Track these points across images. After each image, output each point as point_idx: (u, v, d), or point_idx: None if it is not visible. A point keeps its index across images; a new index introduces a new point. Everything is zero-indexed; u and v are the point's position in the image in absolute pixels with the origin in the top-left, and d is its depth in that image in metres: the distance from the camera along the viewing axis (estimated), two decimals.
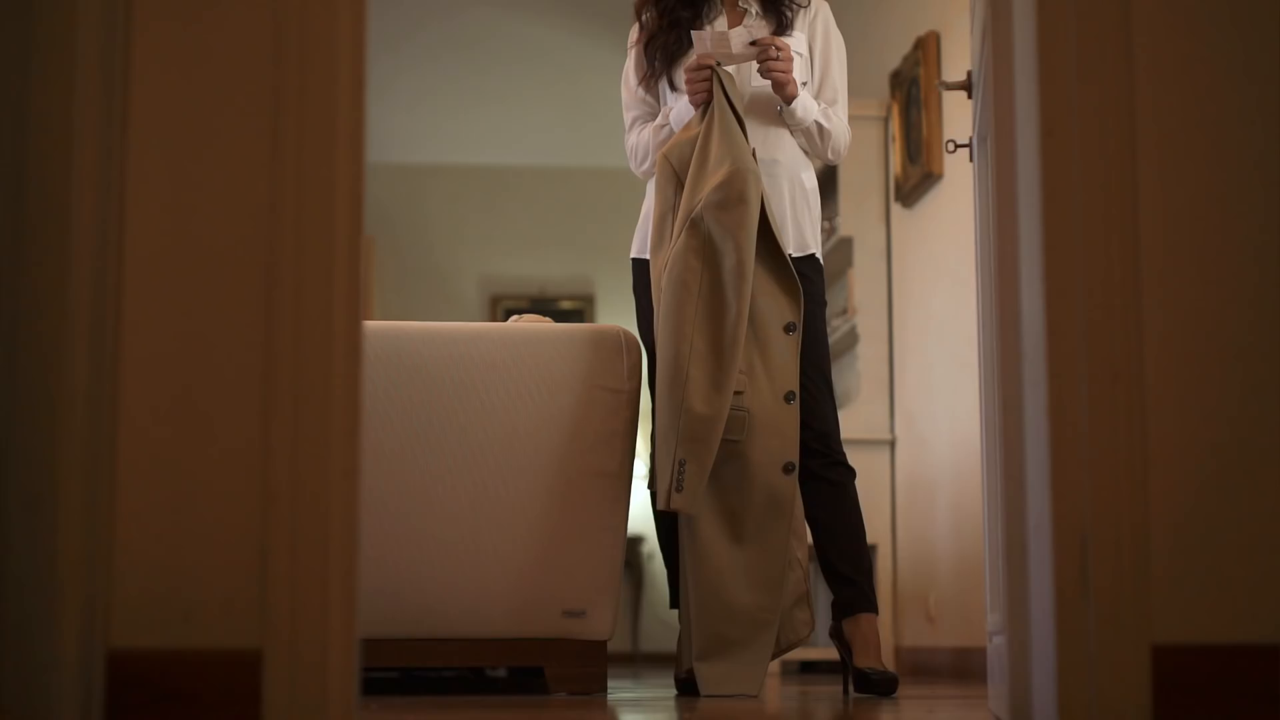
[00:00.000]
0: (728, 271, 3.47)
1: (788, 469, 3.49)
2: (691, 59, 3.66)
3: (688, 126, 3.65)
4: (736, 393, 3.46)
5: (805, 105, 3.70)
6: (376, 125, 9.21)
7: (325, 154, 1.83)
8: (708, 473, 3.43)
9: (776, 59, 3.61)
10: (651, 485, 3.54)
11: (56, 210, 1.73)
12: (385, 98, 9.00)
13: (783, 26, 3.75)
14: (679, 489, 3.42)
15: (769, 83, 3.66)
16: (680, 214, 3.56)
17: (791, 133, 3.75)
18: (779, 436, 3.50)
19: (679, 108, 3.72)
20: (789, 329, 3.54)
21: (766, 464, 3.48)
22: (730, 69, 3.68)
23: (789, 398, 3.52)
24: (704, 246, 3.49)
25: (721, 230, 3.47)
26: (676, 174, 3.62)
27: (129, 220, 1.80)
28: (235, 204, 1.83)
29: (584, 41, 8.55)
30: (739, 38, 3.61)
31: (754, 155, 3.56)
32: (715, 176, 3.49)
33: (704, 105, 3.61)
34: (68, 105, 1.75)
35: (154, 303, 1.80)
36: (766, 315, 3.53)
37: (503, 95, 9.31)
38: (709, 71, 3.60)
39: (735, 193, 3.46)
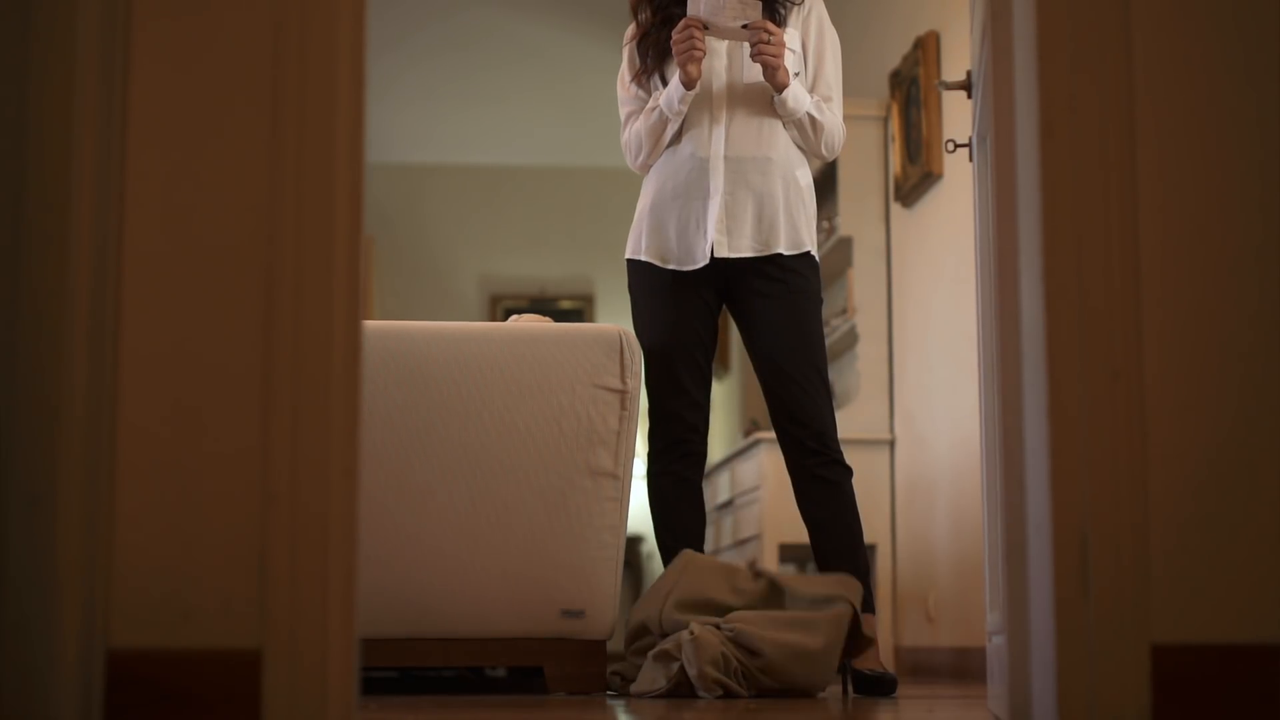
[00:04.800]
0: None
1: None
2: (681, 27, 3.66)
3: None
4: None
5: (797, 96, 3.70)
6: (376, 125, 9.21)
7: (325, 154, 1.83)
8: None
9: (768, 42, 3.61)
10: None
11: (56, 210, 1.73)
12: (385, 98, 9.00)
13: (776, 23, 3.75)
14: None
15: (762, 73, 3.66)
16: None
17: (785, 125, 3.75)
18: None
19: (668, 89, 3.72)
20: None
21: None
22: (724, 62, 3.70)
23: None
24: None
25: None
26: None
27: (129, 220, 1.80)
28: (235, 204, 1.82)
29: (583, 41, 8.55)
30: (733, 11, 3.61)
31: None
32: None
33: (690, 86, 3.60)
34: (68, 104, 1.74)
35: (154, 302, 1.80)
36: None
37: (503, 95, 9.31)
38: (692, 30, 3.59)
39: None
